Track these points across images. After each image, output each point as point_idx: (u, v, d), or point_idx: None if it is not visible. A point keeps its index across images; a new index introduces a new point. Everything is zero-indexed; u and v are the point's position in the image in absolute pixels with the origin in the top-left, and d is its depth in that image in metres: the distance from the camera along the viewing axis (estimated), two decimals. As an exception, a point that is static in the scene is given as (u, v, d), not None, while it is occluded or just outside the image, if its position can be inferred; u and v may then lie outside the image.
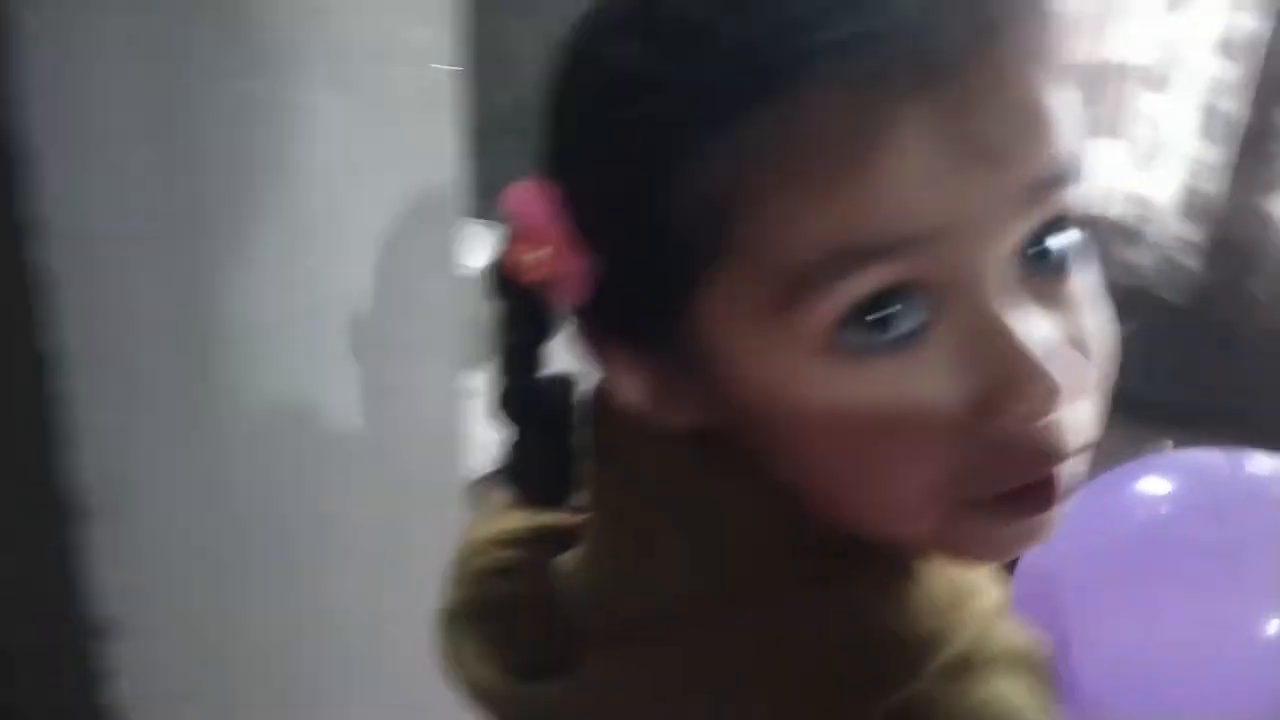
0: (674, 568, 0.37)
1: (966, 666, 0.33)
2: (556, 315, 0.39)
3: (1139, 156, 2.71)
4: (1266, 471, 0.54)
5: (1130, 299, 2.40)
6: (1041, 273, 0.33)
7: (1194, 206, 2.65)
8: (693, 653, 0.36)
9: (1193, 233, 2.66)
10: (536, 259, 0.36)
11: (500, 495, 0.45)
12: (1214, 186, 2.62)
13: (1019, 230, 0.32)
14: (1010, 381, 0.31)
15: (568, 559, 0.42)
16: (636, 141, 0.33)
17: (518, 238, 0.37)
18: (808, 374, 0.32)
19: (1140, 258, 2.75)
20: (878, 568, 0.35)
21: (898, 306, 0.31)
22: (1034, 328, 0.32)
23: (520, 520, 0.44)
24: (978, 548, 0.35)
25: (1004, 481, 0.33)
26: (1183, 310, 2.71)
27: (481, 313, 0.41)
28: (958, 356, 0.32)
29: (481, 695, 0.42)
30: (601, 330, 0.38)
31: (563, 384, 0.41)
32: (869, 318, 0.31)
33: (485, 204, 2.40)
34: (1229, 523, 0.49)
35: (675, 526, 0.37)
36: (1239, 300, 2.60)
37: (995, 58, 0.30)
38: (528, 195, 0.36)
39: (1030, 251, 0.33)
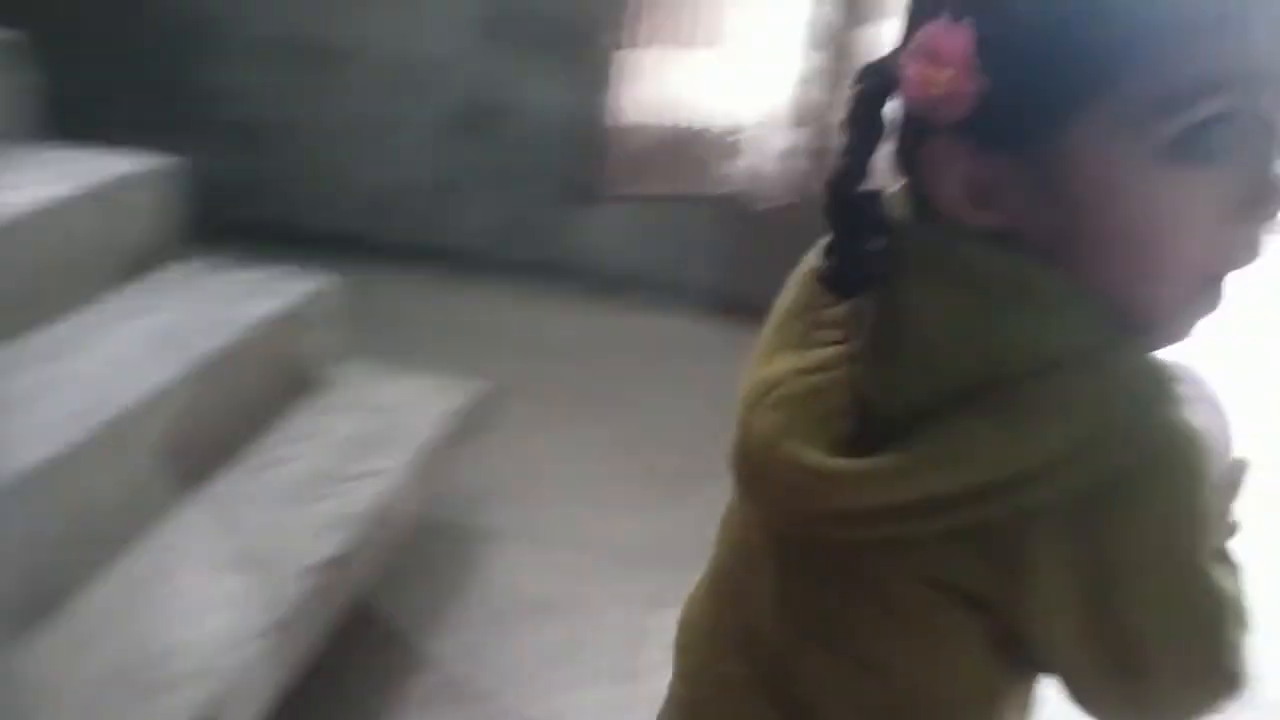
0: (975, 344, 0.50)
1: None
2: (888, 131, 0.53)
3: (749, 66, 2.83)
4: None
5: (736, 204, 2.46)
6: None
7: (801, 114, 2.82)
8: (1007, 411, 0.48)
9: (791, 141, 2.84)
10: (942, 79, 0.47)
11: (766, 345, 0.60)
12: (817, 95, 2.79)
13: None
14: (1270, 193, 0.48)
15: (862, 365, 0.53)
16: (1095, 18, 0.46)
17: (928, 62, 0.48)
18: (1147, 174, 0.47)
19: (742, 167, 2.91)
20: (1133, 340, 0.50)
21: (1216, 128, 0.46)
22: None
23: (808, 355, 0.56)
24: (1199, 311, 0.52)
25: (1231, 266, 0.50)
26: (780, 213, 2.90)
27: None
28: (1240, 172, 0.47)
29: (790, 466, 0.53)
30: (961, 132, 0.49)
31: (876, 194, 0.53)
32: (1198, 134, 0.46)
33: (66, 120, 1.95)
34: None
35: (977, 306, 0.50)
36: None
37: None
38: (943, 31, 0.47)
39: None
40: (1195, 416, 0.49)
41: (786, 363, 0.57)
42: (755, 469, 0.57)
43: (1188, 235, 0.48)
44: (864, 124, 0.53)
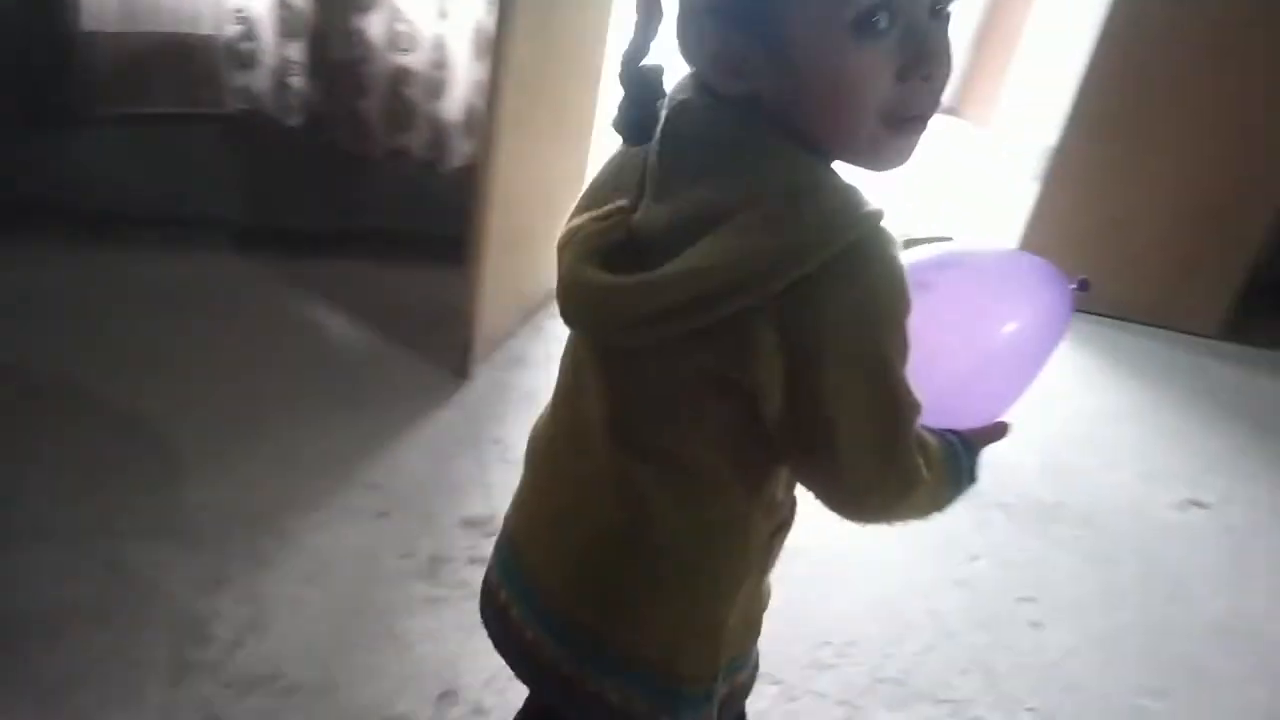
0: (717, 184, 0.67)
1: (885, 228, 0.66)
2: (665, 14, 0.71)
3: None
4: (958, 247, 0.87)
5: (246, 124, 2.12)
6: (937, 19, 0.67)
7: (291, 26, 2.51)
8: (737, 236, 0.64)
9: (298, 53, 2.54)
10: None
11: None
12: (307, 5, 2.50)
13: None
14: (923, 59, 0.66)
15: (644, 202, 0.72)
16: None
17: None
18: (839, 47, 0.64)
19: (252, 81, 2.55)
20: (838, 175, 0.68)
21: (881, 16, 0.64)
22: (936, 38, 0.67)
23: (602, 210, 0.74)
24: (891, 155, 0.69)
25: (906, 113, 0.68)
26: (301, 134, 2.61)
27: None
28: (901, 45, 0.65)
29: (584, 286, 0.71)
30: (708, 21, 0.67)
31: (657, 71, 0.72)
32: (870, 19, 0.64)
33: None
34: (945, 271, 0.82)
35: (723, 155, 0.68)
36: (353, 122, 2.59)
37: None
38: None
39: (935, 7, 0.67)
40: (891, 237, 0.65)
41: (586, 216, 0.75)
42: (564, 292, 0.74)
43: (872, 88, 0.66)
44: (646, 11, 0.71)
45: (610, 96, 2.70)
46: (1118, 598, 1.97)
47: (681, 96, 0.71)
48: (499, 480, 1.97)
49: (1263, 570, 2.13)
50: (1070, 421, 2.52)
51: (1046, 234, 3.04)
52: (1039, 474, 2.30)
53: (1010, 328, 0.82)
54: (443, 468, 2.00)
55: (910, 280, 0.67)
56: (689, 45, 0.70)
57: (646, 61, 0.71)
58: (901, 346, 0.66)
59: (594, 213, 0.74)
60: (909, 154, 0.70)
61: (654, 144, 0.71)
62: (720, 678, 0.84)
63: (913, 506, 0.75)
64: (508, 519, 0.90)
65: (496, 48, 2.07)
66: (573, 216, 0.76)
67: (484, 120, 2.17)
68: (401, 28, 2.53)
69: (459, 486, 1.96)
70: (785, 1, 0.64)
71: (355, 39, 2.53)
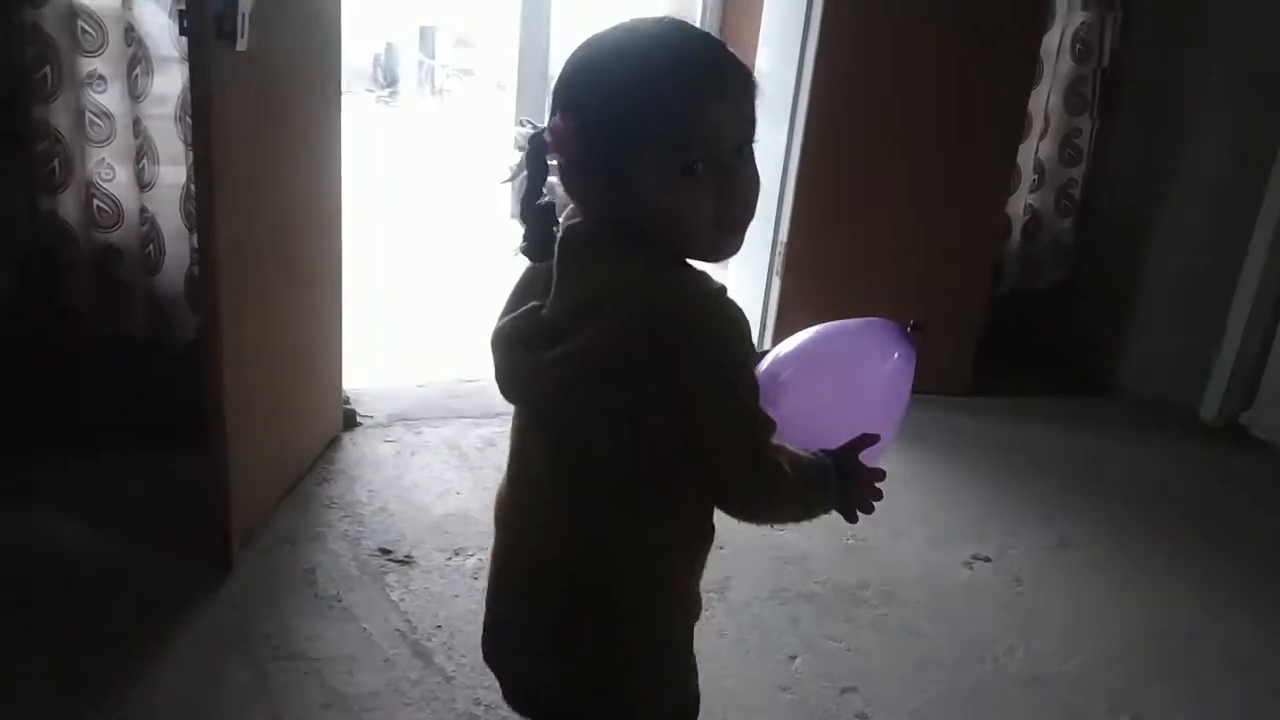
0: (599, 281, 0.91)
1: (722, 298, 0.90)
2: (550, 169, 0.95)
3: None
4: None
5: None
6: (740, 155, 0.92)
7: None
8: (615, 316, 0.89)
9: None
10: (563, 145, 0.91)
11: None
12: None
13: (740, 139, 0.91)
14: (730, 186, 0.91)
15: (549, 301, 0.94)
16: (633, 116, 0.88)
17: (554, 136, 0.91)
18: (674, 188, 0.88)
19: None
20: (688, 267, 0.93)
21: (699, 164, 0.88)
22: (740, 170, 0.92)
23: (521, 309, 0.97)
24: (725, 249, 0.94)
25: (728, 220, 0.92)
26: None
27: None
28: (716, 179, 0.89)
29: (513, 367, 0.96)
30: (579, 171, 0.92)
31: (549, 206, 0.96)
32: (692, 167, 0.88)
33: None
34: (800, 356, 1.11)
35: (601, 260, 0.91)
36: (57, 310, 2.34)
37: (750, 89, 0.93)
38: (560, 121, 0.90)
39: (738, 150, 0.91)
40: (729, 300, 0.90)
41: (509, 317, 0.97)
42: (503, 378, 0.98)
43: (700, 211, 0.89)
44: (534, 165, 0.95)
45: (350, 244, 2.60)
46: (931, 669, 1.99)
47: (569, 221, 0.94)
48: (279, 682, 1.76)
49: (1049, 611, 2.23)
50: (853, 498, 2.58)
51: (794, 321, 3.14)
52: (837, 556, 2.32)
53: (866, 374, 1.10)
54: (210, 681, 1.76)
55: (772, 375, 1.05)
56: (571, 189, 0.94)
57: (540, 201, 0.96)
58: (747, 379, 0.92)
59: (515, 314, 0.96)
60: (739, 246, 0.94)
61: (554, 257, 0.94)
62: (670, 685, 1.05)
63: (787, 501, 0.97)
64: (489, 577, 1.09)
65: (200, 212, 1.93)
66: (500, 319, 0.99)
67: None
68: (101, 204, 2.34)
69: (231, 700, 1.73)
70: (633, 164, 0.89)
71: (47, 222, 2.30)
